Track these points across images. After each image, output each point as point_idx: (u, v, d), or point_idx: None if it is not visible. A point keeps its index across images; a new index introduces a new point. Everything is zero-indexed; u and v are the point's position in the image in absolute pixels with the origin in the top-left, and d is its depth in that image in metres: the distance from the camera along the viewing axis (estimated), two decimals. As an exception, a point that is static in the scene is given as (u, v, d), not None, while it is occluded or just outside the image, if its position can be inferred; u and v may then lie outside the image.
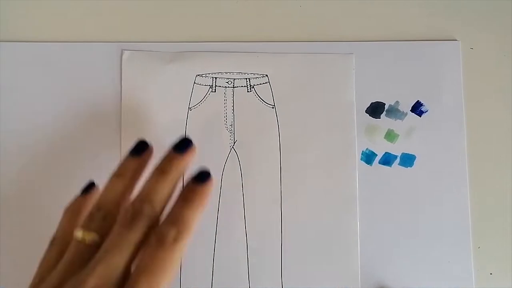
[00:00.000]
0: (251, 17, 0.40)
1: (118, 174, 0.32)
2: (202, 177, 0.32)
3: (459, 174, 0.40)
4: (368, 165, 0.40)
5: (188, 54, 0.38)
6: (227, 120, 0.39)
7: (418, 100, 0.40)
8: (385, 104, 0.40)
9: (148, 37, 0.39)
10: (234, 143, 0.39)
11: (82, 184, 0.33)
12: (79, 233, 0.30)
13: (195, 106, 0.38)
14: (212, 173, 0.32)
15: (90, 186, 0.34)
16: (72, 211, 0.33)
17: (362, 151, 0.40)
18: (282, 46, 0.39)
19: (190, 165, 0.33)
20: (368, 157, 0.40)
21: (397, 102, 0.40)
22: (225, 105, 0.39)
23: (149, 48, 0.38)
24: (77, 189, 0.33)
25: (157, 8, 0.39)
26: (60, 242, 0.31)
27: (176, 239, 0.29)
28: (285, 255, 0.38)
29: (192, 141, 0.33)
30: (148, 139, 0.36)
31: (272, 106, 0.39)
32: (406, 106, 0.40)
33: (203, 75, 0.38)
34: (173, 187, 0.31)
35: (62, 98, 0.37)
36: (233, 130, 0.39)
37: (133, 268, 0.29)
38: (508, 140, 0.40)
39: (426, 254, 0.39)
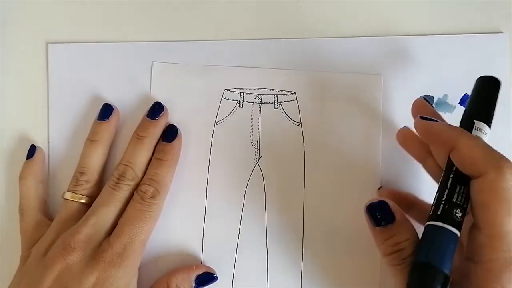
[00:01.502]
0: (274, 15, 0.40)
1: (91, 140, 0.38)
2: (169, 136, 0.37)
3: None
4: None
5: (217, 68, 0.39)
6: (253, 136, 0.39)
7: (466, 93, 0.39)
8: (433, 97, 0.39)
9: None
10: (259, 159, 0.38)
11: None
12: (68, 195, 0.36)
13: (222, 120, 0.39)
14: (179, 131, 0.38)
15: (32, 150, 0.39)
16: (25, 177, 0.38)
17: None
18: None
19: (163, 127, 0.38)
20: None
21: (445, 95, 0.39)
22: (252, 120, 0.39)
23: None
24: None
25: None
26: (27, 208, 0.37)
27: (153, 195, 0.35)
28: (305, 270, 0.38)
29: (164, 106, 0.38)
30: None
31: (298, 124, 0.38)
32: (454, 99, 0.39)
33: (231, 90, 0.39)
34: (150, 149, 0.37)
35: (106, 100, 0.39)
36: (258, 146, 0.38)
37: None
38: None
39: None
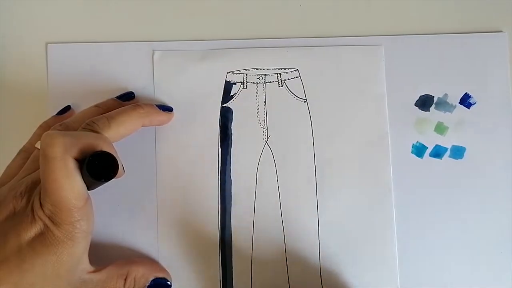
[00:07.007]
0: (279, 13, 0.40)
1: (96, 105, 0.36)
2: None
3: (510, 164, 0.39)
4: (419, 158, 0.38)
5: (219, 51, 0.39)
6: (259, 116, 0.38)
7: (466, 93, 0.39)
8: (433, 97, 0.39)
9: (179, 36, 0.40)
10: (268, 138, 0.38)
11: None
12: (38, 144, 0.34)
13: (228, 103, 0.38)
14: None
15: (66, 108, 0.38)
16: (44, 127, 0.36)
17: (413, 144, 0.39)
18: (311, 41, 0.39)
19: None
20: (419, 150, 0.39)
21: (445, 94, 0.39)
22: (257, 101, 0.38)
23: (180, 47, 0.39)
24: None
25: (186, 7, 0.40)
26: (26, 151, 0.35)
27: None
28: (323, 249, 0.37)
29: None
30: (181, 139, 0.38)
31: (304, 100, 0.38)
32: (454, 98, 0.39)
33: (234, 72, 0.39)
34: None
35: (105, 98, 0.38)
36: (266, 125, 0.38)
37: None
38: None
39: (475, 247, 0.38)
